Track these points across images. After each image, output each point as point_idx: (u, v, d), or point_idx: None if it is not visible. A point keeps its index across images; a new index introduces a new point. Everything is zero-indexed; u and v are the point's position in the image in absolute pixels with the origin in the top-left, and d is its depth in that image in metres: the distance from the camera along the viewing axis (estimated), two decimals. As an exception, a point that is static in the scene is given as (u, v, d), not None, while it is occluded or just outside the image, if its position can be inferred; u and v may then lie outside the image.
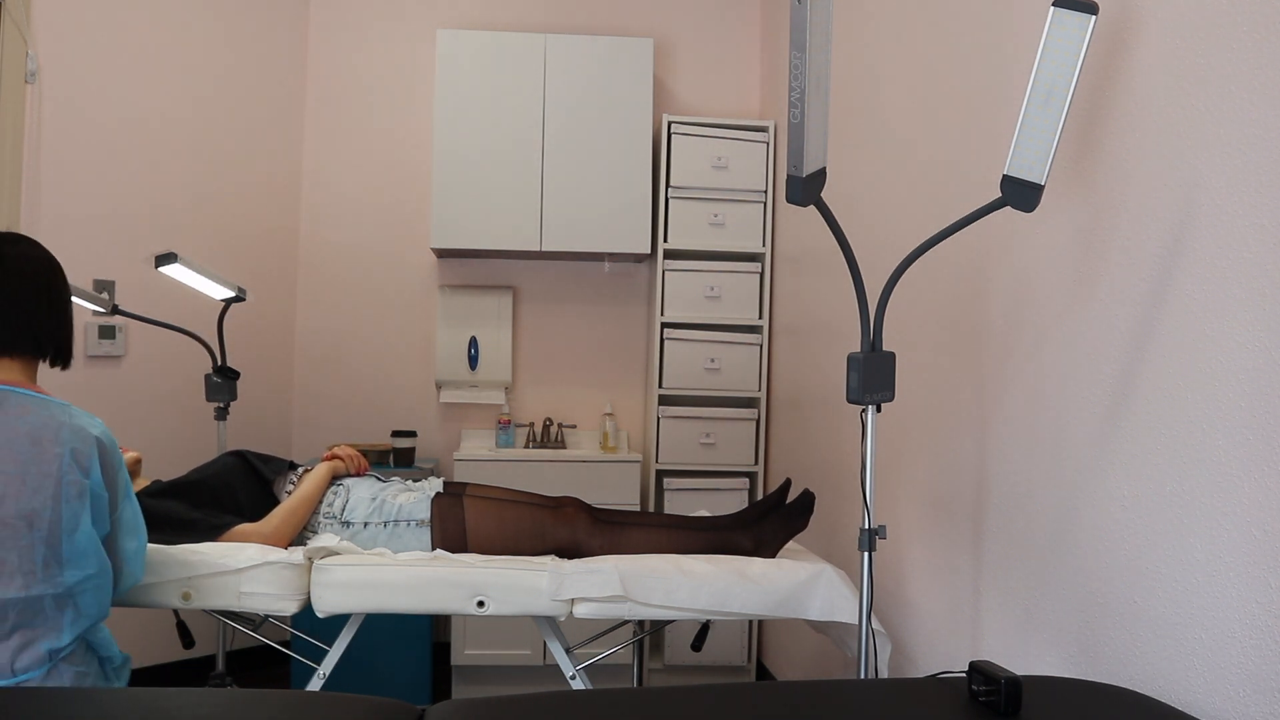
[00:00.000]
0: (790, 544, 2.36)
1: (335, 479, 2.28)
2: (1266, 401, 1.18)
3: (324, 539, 2.06)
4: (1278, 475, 1.16)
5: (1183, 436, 1.33)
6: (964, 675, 1.29)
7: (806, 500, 2.23)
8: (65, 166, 3.07)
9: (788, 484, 2.27)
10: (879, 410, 1.62)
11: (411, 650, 3.31)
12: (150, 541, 1.92)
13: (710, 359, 3.59)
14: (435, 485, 2.26)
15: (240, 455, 2.34)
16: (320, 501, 2.20)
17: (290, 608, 1.93)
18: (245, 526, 2.07)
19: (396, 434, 3.62)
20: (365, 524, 2.14)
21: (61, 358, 1.73)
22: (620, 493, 3.48)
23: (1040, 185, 1.42)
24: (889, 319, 2.36)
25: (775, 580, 1.96)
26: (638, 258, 3.80)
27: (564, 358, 3.93)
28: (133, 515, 1.74)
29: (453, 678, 3.45)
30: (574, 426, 3.88)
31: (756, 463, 3.60)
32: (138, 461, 2.24)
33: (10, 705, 1.17)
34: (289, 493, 2.25)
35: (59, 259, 1.76)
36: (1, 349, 1.64)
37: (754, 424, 3.60)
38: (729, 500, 3.56)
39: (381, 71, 3.87)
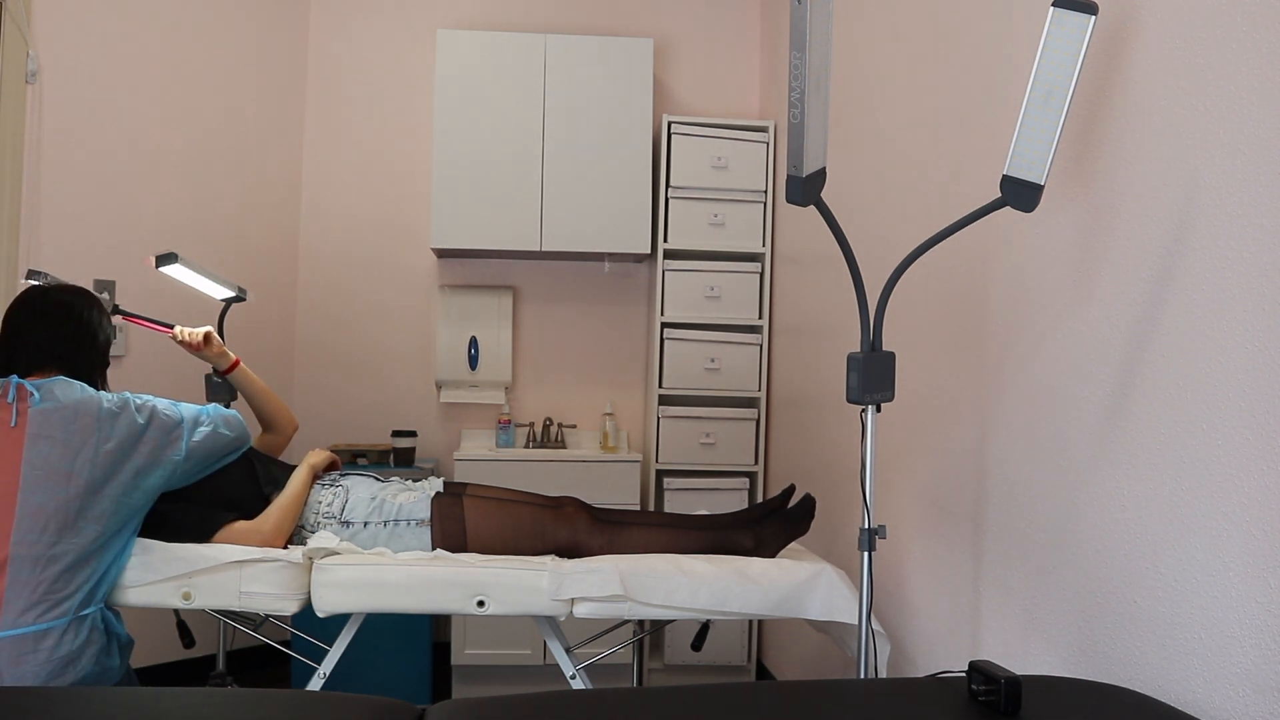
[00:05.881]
0: (790, 544, 2.36)
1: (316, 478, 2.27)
2: (1266, 401, 1.18)
3: (323, 539, 2.05)
4: (1278, 475, 1.16)
5: (1183, 436, 1.33)
6: (964, 675, 1.29)
7: (808, 505, 2.23)
8: (65, 166, 3.07)
9: (791, 489, 2.27)
10: (879, 410, 1.62)
11: (411, 650, 3.31)
12: (149, 537, 1.95)
13: (710, 359, 3.59)
14: (435, 485, 2.25)
15: (248, 456, 2.34)
16: (320, 501, 2.20)
17: (290, 607, 1.93)
18: (243, 525, 2.06)
19: (396, 434, 3.62)
20: (365, 524, 2.14)
21: (83, 376, 2.01)
22: (620, 493, 3.48)
23: (1040, 185, 1.42)
24: (889, 319, 2.36)
25: (775, 580, 1.96)
26: (637, 258, 3.80)
27: (564, 358, 3.93)
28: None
29: (453, 678, 3.45)
30: (574, 426, 3.88)
31: (756, 463, 3.60)
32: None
33: (11, 704, 1.17)
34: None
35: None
36: (34, 366, 1.97)
37: (754, 424, 3.60)
38: (729, 500, 3.56)
39: (381, 72, 3.87)
